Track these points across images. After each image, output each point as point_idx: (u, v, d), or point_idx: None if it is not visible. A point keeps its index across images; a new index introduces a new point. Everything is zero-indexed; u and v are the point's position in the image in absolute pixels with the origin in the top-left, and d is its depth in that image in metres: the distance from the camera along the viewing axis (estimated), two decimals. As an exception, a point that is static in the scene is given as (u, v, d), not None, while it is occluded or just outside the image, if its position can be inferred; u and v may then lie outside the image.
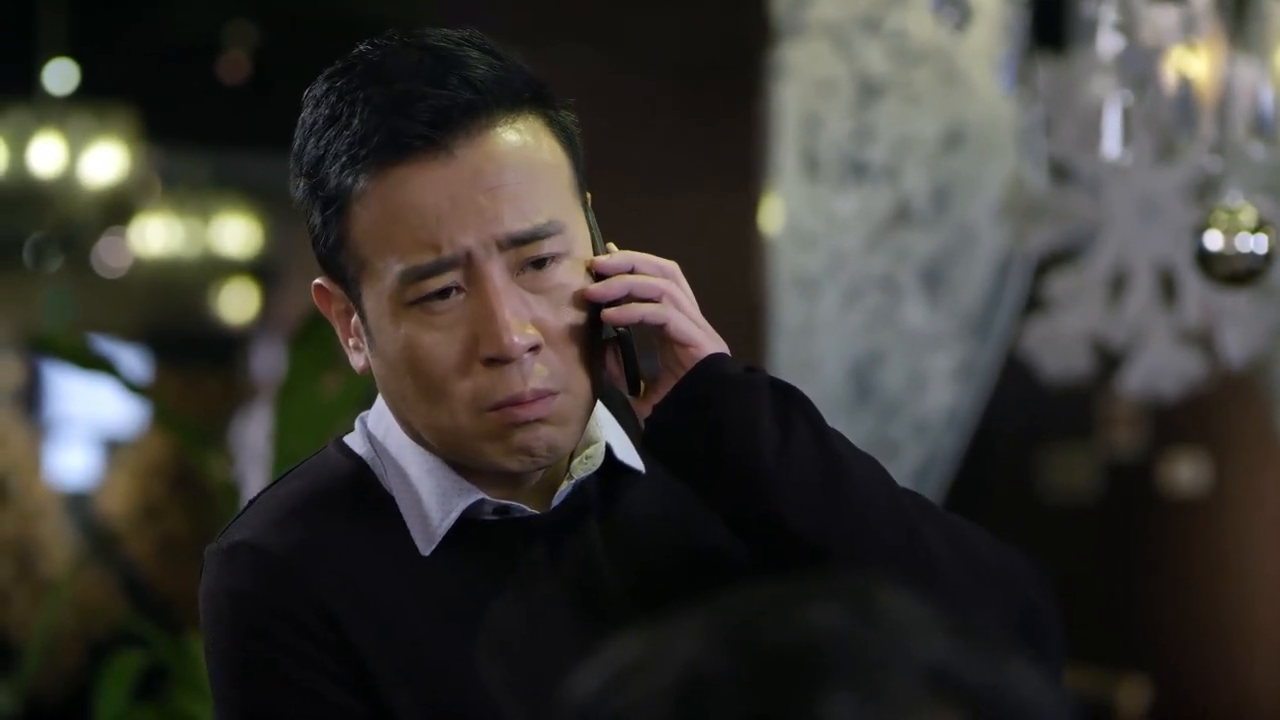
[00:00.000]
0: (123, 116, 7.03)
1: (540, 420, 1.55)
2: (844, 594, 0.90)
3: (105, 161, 6.99)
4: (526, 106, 1.57)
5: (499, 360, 1.54)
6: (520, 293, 1.55)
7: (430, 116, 1.52)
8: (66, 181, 6.93)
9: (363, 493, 1.62)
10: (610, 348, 1.60)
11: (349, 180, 1.54)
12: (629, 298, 1.58)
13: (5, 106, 6.94)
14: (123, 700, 4.02)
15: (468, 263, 1.53)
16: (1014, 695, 0.88)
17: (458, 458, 1.59)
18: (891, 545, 1.57)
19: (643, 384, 1.60)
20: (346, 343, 1.63)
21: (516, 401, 1.54)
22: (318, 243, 1.59)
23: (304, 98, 1.60)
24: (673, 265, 1.63)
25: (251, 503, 1.65)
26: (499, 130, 1.55)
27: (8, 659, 7.35)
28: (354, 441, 1.66)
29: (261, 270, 9.56)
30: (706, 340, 1.60)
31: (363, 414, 1.68)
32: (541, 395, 1.55)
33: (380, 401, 1.66)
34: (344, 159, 1.54)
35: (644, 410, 1.60)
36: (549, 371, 1.56)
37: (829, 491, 1.57)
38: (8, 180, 6.88)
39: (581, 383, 1.58)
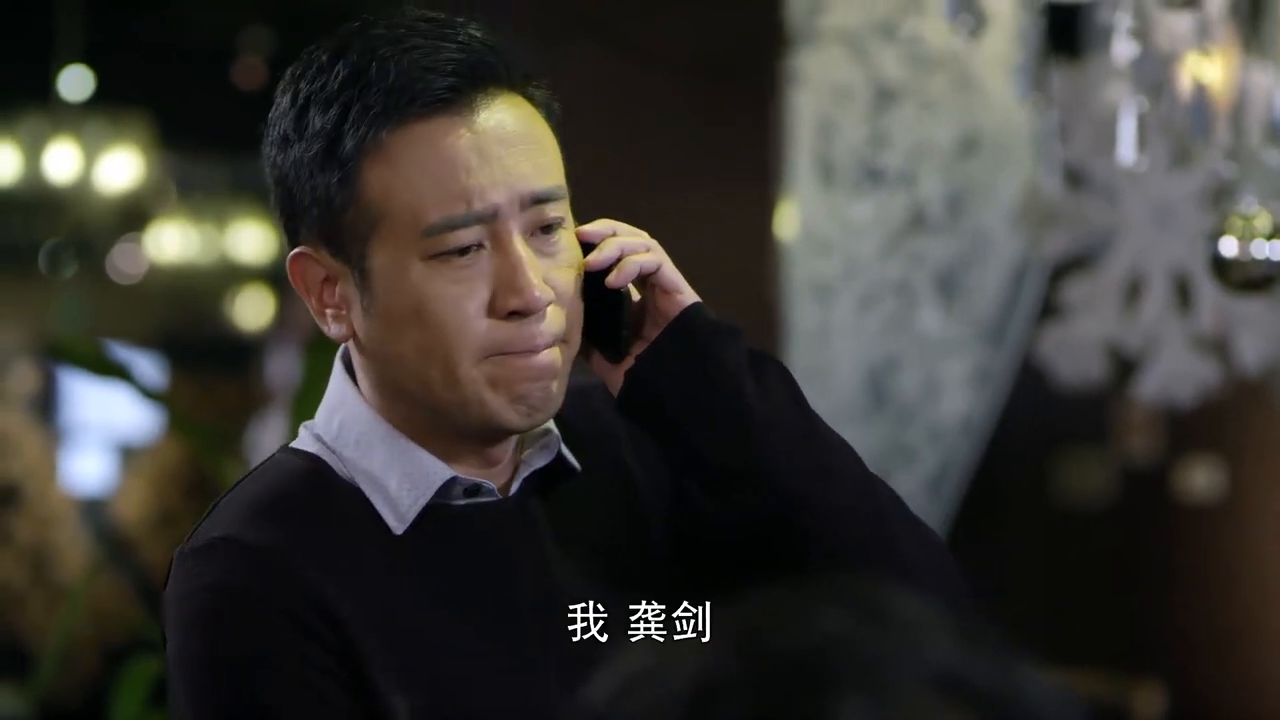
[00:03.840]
0: (138, 122, 7.04)
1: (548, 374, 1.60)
2: (852, 598, 0.90)
3: (120, 168, 6.99)
4: (524, 82, 1.62)
5: (522, 313, 1.57)
6: (533, 253, 1.59)
7: (455, 68, 1.57)
8: (82, 188, 6.93)
9: (325, 485, 1.63)
10: (592, 318, 1.64)
11: (373, 135, 1.56)
12: (619, 259, 1.63)
13: (21, 113, 6.94)
14: (138, 706, 4.02)
15: (493, 218, 1.57)
16: (1024, 699, 0.88)
17: (450, 415, 1.61)
18: (858, 506, 1.63)
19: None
20: (324, 313, 1.64)
21: (531, 350, 1.58)
22: (319, 204, 1.59)
23: (294, 73, 1.63)
24: (646, 234, 1.68)
25: (213, 507, 1.64)
26: (509, 95, 1.60)
27: (23, 665, 7.36)
28: (303, 443, 1.67)
29: (277, 276, 9.55)
30: (690, 291, 1.65)
31: (306, 423, 1.69)
32: (550, 342, 1.59)
33: (326, 404, 1.67)
34: (371, 113, 1.56)
35: (615, 379, 1.65)
36: (560, 322, 1.60)
37: (809, 444, 1.63)
38: (23, 186, 6.88)
39: (575, 343, 1.63)
